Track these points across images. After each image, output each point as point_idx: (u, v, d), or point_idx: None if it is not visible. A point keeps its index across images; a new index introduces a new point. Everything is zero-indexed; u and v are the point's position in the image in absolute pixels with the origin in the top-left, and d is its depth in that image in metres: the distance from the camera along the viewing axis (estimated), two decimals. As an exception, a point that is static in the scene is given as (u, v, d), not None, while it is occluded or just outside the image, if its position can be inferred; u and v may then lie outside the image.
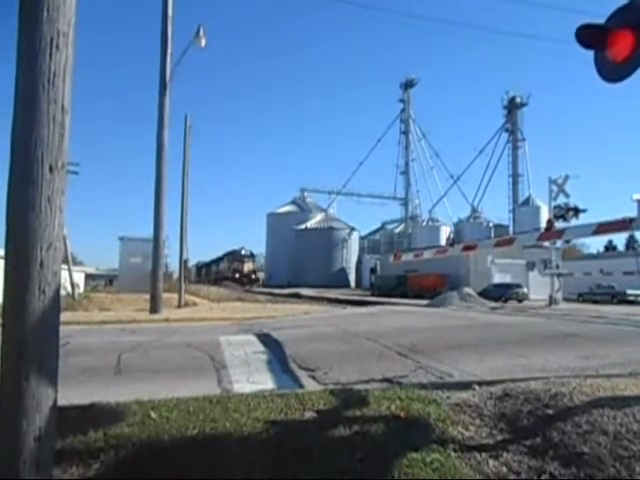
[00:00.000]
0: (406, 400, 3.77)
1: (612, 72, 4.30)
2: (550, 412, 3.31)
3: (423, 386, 4.33)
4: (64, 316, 12.18)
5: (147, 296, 14.99)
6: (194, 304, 19.63)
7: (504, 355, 6.48)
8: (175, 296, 18.52)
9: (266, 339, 8.22)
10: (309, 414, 3.52)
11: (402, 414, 3.45)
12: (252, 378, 5.30)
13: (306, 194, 66.87)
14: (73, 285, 20.04)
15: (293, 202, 67.32)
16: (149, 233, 15.13)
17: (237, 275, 59.01)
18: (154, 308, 14.20)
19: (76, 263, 40.46)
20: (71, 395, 4.11)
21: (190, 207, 20.96)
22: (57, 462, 2.66)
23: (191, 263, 80.00)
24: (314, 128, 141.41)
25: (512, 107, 59.11)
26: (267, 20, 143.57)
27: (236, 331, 9.70)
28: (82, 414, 3.43)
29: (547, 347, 7.26)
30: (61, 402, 3.73)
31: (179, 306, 17.78)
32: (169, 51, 14.56)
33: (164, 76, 14.44)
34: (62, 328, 7.76)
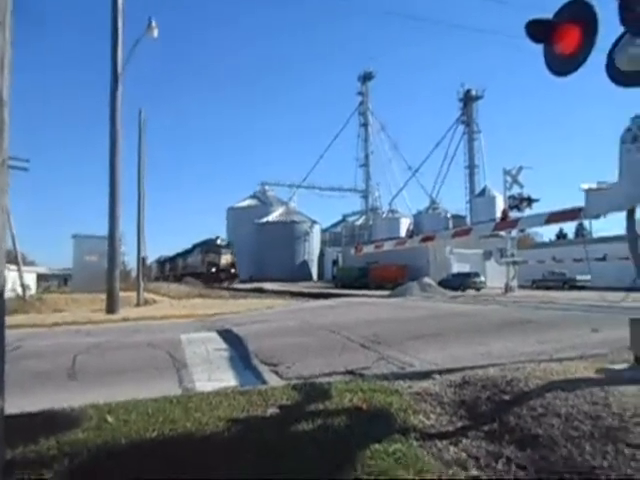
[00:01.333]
0: (368, 392, 3.80)
1: (560, 66, 4.43)
2: (507, 397, 3.41)
3: (385, 377, 4.39)
4: (15, 319, 11.70)
5: (104, 296, 14.55)
6: (154, 302, 19.20)
7: (463, 343, 6.63)
8: (134, 295, 18.06)
9: (228, 335, 8.12)
10: (272, 410, 3.50)
11: (365, 406, 3.48)
12: (214, 376, 5.22)
13: (267, 188, 66.47)
14: (24, 286, 19.21)
15: (254, 196, 66.80)
16: (105, 231, 14.65)
17: (213, 269, 49.22)
18: (111, 307, 13.80)
19: (27, 263, 38.78)
20: (22, 402, 3.93)
21: (147, 204, 20.40)
22: (7, 474, 2.54)
23: (152, 258, 75.41)
24: (274, 122, 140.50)
25: (467, 100, 60.49)
26: (227, 12, 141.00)
27: (197, 328, 9.54)
28: (33, 422, 3.29)
29: (504, 334, 7.49)
30: (10, 410, 3.57)
31: (138, 305, 17.35)
32: (120, 42, 14.08)
33: (115, 69, 13.96)
34: (13, 332, 7.47)
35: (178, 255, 65.85)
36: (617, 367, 3.79)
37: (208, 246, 51.53)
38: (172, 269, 68.51)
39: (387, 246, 10.84)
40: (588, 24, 4.17)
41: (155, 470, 2.55)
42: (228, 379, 5.09)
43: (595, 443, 2.64)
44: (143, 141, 18.70)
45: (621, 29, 4.11)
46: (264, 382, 4.88)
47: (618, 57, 4.37)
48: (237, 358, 6.28)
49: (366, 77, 65.16)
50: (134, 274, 26.21)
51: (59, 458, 2.72)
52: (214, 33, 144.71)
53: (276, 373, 5.29)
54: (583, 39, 4.19)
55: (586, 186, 3.96)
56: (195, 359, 6.15)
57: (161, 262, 78.06)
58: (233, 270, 50.07)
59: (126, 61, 14.14)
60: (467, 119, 60.58)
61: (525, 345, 6.20)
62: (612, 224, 23.39)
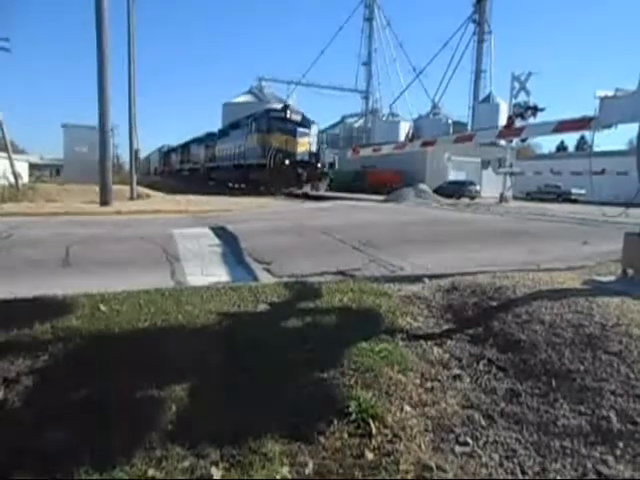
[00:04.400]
0: (358, 292, 3.86)
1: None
2: (494, 304, 3.47)
3: (376, 279, 4.45)
4: (7, 207, 11.62)
5: (96, 187, 14.40)
6: (147, 196, 19.11)
7: (455, 250, 6.70)
8: (127, 188, 17.90)
9: (221, 232, 8.15)
10: (262, 306, 3.56)
11: (354, 306, 3.54)
12: (206, 271, 5.29)
13: (264, 84, 63.57)
14: (15, 174, 18.94)
15: (250, 92, 64.04)
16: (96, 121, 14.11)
17: (286, 162, 25.86)
18: (104, 200, 13.72)
19: (18, 151, 37.96)
20: (16, 288, 3.98)
21: (140, 94, 19.44)
22: (2, 355, 2.61)
23: (153, 148, 70.78)
24: (271, 9, 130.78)
25: (481, -2, 56.08)
26: None
27: (191, 224, 9.56)
28: (27, 307, 3.33)
29: (496, 242, 7.57)
30: (5, 295, 3.62)
31: (131, 198, 17.26)
32: None
33: None
34: (5, 220, 7.44)
35: (197, 140, 44.25)
36: (604, 279, 3.84)
37: (270, 120, 27.51)
38: (184, 161, 48.84)
39: (385, 149, 10.57)
40: None
41: (146, 359, 2.62)
42: (220, 275, 5.16)
43: (575, 349, 2.72)
44: (132, 16, 17.31)
45: None
46: (256, 279, 4.96)
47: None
48: (230, 255, 6.34)
49: (374, -35, 59.74)
50: (127, 168, 25.70)
51: (53, 342, 2.78)
52: None
53: (268, 271, 5.36)
54: None
55: (602, 93, 3.73)
56: (188, 254, 6.20)
57: (165, 152, 60.07)
58: (319, 165, 27.96)
59: None
60: (479, 18, 56.63)
61: (516, 254, 6.27)
62: (611, 140, 22.88)
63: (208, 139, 40.79)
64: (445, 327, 3.32)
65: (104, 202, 13.65)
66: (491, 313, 3.35)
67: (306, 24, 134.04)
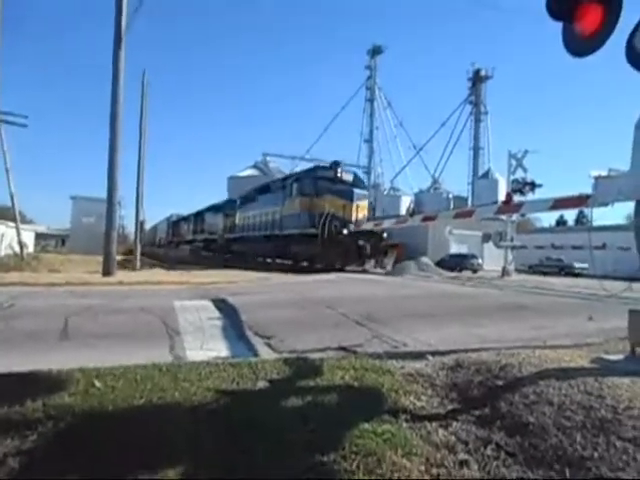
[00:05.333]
0: (360, 370, 3.77)
1: (579, 46, 4.26)
2: (499, 383, 3.37)
3: (378, 356, 4.36)
4: (10, 277, 11.65)
5: (100, 258, 14.51)
6: (151, 267, 19.21)
7: (458, 325, 6.61)
8: (131, 258, 18.03)
9: (222, 305, 8.10)
10: (262, 384, 3.47)
11: (356, 384, 3.45)
12: (206, 345, 5.19)
13: (268, 158, 65.80)
14: (21, 244, 19.18)
15: (255, 166, 66.17)
16: (104, 193, 14.50)
17: (343, 232, 19.99)
18: (107, 270, 13.77)
19: (26, 222, 38.73)
20: (12, 361, 3.91)
21: (147, 171, 20.14)
22: (-11, 434, 2.51)
23: (155, 220, 70.38)
24: (279, 94, 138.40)
25: (477, 80, 59.41)
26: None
27: (192, 296, 9.52)
28: (20, 382, 3.25)
29: (499, 318, 7.47)
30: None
31: (134, 269, 17.35)
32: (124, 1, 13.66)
33: (119, 28, 13.59)
34: (7, 289, 7.40)
35: (214, 208, 39.20)
36: (612, 357, 3.75)
37: (318, 180, 22.37)
38: (197, 231, 43.19)
39: (387, 223, 10.74)
40: (611, 4, 4.00)
41: (139, 440, 2.52)
42: (220, 349, 5.07)
43: (587, 434, 2.60)
44: (145, 103, 18.38)
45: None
46: (256, 354, 4.86)
47: (639, 40, 4.20)
48: (230, 328, 6.25)
49: (375, 51, 63.83)
50: (132, 238, 26.09)
51: (44, 421, 2.68)
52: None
53: (269, 346, 5.26)
54: (605, 19, 4.02)
55: (596, 173, 3.85)
56: (188, 327, 6.12)
57: (174, 222, 55.47)
58: (385, 235, 22.01)
59: (130, 20, 13.75)
60: (475, 99, 59.61)
61: (520, 330, 6.17)
62: (611, 215, 23.30)
63: (228, 207, 36.15)
64: (450, 407, 3.20)
65: (107, 272, 13.69)
66: (497, 393, 3.24)
67: (311, 102, 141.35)
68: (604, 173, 3.93)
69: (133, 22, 13.80)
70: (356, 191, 21.86)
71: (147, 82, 18.64)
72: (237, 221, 33.05)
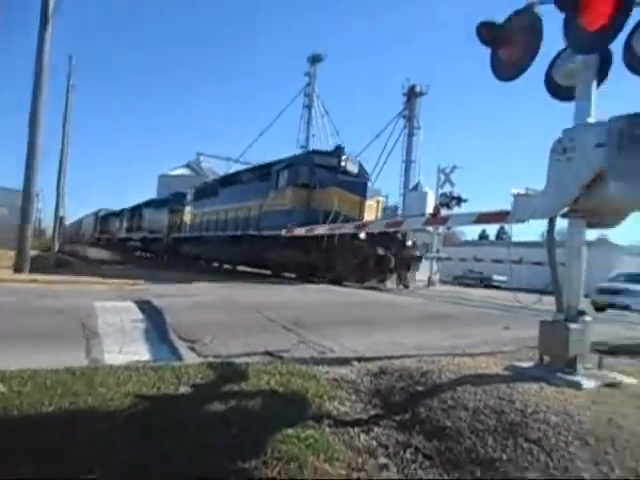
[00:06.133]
0: (286, 375, 3.76)
1: (504, 71, 4.52)
2: (420, 389, 3.49)
3: (304, 361, 4.37)
4: None
5: (12, 253, 13.50)
6: (69, 264, 18.14)
7: (385, 332, 6.77)
8: (47, 254, 16.93)
9: (146, 306, 7.78)
10: (184, 388, 3.36)
11: (281, 389, 3.43)
12: (126, 348, 4.97)
13: (202, 158, 64.39)
14: None
15: (187, 165, 64.52)
16: (20, 183, 13.52)
17: (360, 237, 14.72)
18: (20, 266, 12.85)
19: None
20: None
21: (72, 162, 19.08)
22: None
23: (89, 210, 62.97)
24: (216, 91, 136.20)
25: (412, 95, 61.51)
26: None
27: (114, 297, 9.08)
28: None
29: (423, 326, 7.74)
30: None
31: (50, 266, 16.30)
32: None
33: (46, 7, 12.82)
34: None
35: (156, 202, 35.24)
36: (523, 365, 3.98)
37: (317, 168, 17.33)
38: (133, 228, 38.25)
39: (320, 230, 10.83)
40: (534, 33, 4.27)
41: (47, 448, 2.35)
42: (141, 353, 4.86)
43: (497, 437, 2.75)
44: (71, 89, 17.38)
45: (562, 44, 4.26)
46: (180, 358, 4.71)
47: (556, 71, 4.53)
48: (153, 331, 6.02)
49: (315, 59, 64.47)
50: (50, 233, 24.39)
51: (-64, 429, 2.44)
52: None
53: (193, 349, 5.12)
54: (527, 48, 4.30)
55: (515, 191, 4.10)
56: (108, 329, 5.82)
57: (102, 217, 49.70)
58: (408, 243, 16.89)
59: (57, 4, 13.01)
60: (409, 114, 61.72)
61: (442, 338, 6.43)
62: (528, 231, 24.95)
63: (174, 202, 30.96)
64: (372, 412, 3.27)
65: (20, 269, 12.77)
66: (418, 398, 3.35)
67: (249, 106, 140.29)
68: (523, 192, 4.19)
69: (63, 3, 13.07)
70: (369, 185, 17.30)
71: (74, 67, 17.66)
72: (188, 218, 28.27)
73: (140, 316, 6.98)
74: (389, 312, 9.71)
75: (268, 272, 19.65)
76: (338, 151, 18.03)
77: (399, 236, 16.08)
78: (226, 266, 24.63)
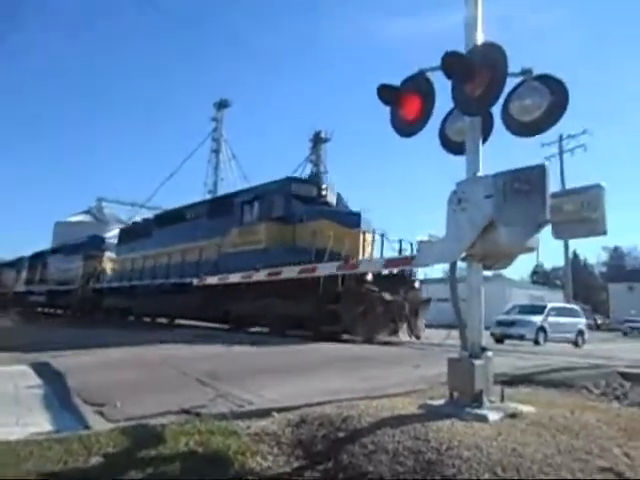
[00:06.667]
0: (206, 433, 3.63)
1: (403, 128, 4.95)
2: (342, 435, 3.54)
3: (223, 416, 4.25)
4: None
5: None
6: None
7: (303, 379, 6.76)
8: None
9: (44, 369, 7.15)
10: (95, 459, 3.13)
11: (201, 450, 3.31)
12: (23, 420, 4.51)
13: (104, 204, 61.43)
14: None
15: (87, 212, 61.09)
16: None
17: (367, 279, 12.29)
18: None
19: None
20: None
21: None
22: None
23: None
24: (119, 139, 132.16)
25: (317, 141, 63.90)
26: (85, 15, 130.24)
27: (5, 360, 8.24)
28: None
29: (341, 369, 7.83)
30: None
31: None
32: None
33: None
34: None
35: (67, 248, 29.84)
36: (435, 403, 4.19)
37: (295, 198, 15.22)
38: (34, 279, 33.29)
39: (233, 278, 10.71)
40: (427, 96, 4.75)
41: None
42: (41, 423, 4.43)
43: (417, 477, 2.86)
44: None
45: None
46: (87, 426, 4.35)
47: (448, 128, 5.04)
48: (54, 397, 5.53)
49: (222, 104, 65.30)
50: None
51: None
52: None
53: (101, 414, 4.77)
54: (422, 109, 4.76)
55: (419, 237, 4.44)
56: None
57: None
58: (415, 284, 14.33)
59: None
60: (315, 159, 63.80)
61: (359, 380, 6.53)
62: (431, 268, 26.37)
63: (90, 246, 27.01)
64: (295, 464, 3.26)
65: None
66: (340, 445, 3.39)
67: (155, 149, 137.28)
68: (426, 238, 4.55)
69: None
70: (363, 217, 14.21)
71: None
72: (111, 265, 25.09)
73: (38, 381, 6.40)
74: (303, 357, 9.73)
75: (217, 326, 16.92)
76: (316, 179, 17.39)
77: (407, 275, 13.70)
78: (161, 320, 21.38)
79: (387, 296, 12.31)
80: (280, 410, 4.39)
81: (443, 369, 4.30)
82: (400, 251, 12.29)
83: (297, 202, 14.83)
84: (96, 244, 27.34)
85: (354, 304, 11.96)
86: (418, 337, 13.71)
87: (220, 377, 6.57)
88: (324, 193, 15.56)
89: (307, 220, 13.86)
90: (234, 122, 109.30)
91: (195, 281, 15.27)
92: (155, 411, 4.73)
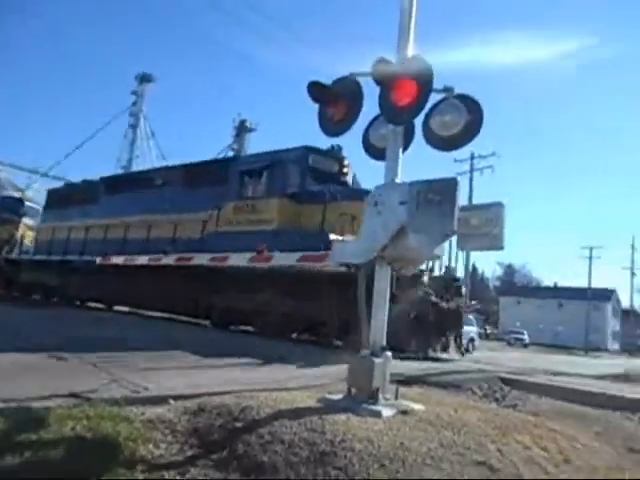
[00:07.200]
0: (95, 419, 3.45)
1: (330, 128, 5.03)
2: (239, 425, 3.53)
3: (116, 402, 4.05)
4: None
5: None
6: None
7: (203, 368, 6.63)
8: None
9: None
10: (-36, 442, 2.86)
11: (90, 435, 3.15)
12: None
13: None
14: None
15: (-25, 174, 54.99)
16: None
17: (423, 280, 10.38)
18: None
19: None
20: None
21: None
22: None
23: None
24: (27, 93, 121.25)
25: (242, 129, 62.67)
26: None
27: None
28: None
29: (252, 364, 7.74)
30: None
31: None
32: None
33: None
34: None
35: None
36: (334, 397, 4.31)
37: (315, 173, 12.44)
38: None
39: (140, 260, 10.27)
40: (355, 99, 4.86)
41: None
42: None
43: (310, 467, 2.94)
44: None
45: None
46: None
47: (372, 134, 5.20)
48: None
49: (144, 78, 61.89)
50: None
51: None
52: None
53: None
54: (350, 110, 4.86)
55: (333, 237, 4.53)
56: None
57: None
58: (462, 288, 12.93)
59: None
60: (238, 147, 62.55)
61: (265, 372, 6.54)
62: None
63: (3, 208, 22.45)
64: (189, 453, 3.20)
65: None
66: (236, 435, 3.39)
67: (65, 114, 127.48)
68: (340, 238, 4.66)
69: None
70: None
71: None
72: (32, 234, 20.99)
73: None
74: (207, 345, 9.53)
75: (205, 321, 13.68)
76: (337, 152, 12.83)
77: (453, 278, 11.90)
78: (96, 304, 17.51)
79: (444, 304, 10.64)
80: (178, 398, 4.29)
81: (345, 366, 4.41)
82: None
83: (324, 176, 12.22)
84: (12, 207, 22.73)
85: (409, 310, 9.69)
86: (462, 351, 12.06)
87: (114, 361, 6.27)
88: (345, 170, 12.87)
89: (342, 200, 10.69)
90: (157, 100, 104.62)
91: (98, 259, 13.46)
92: (39, 394, 4.41)
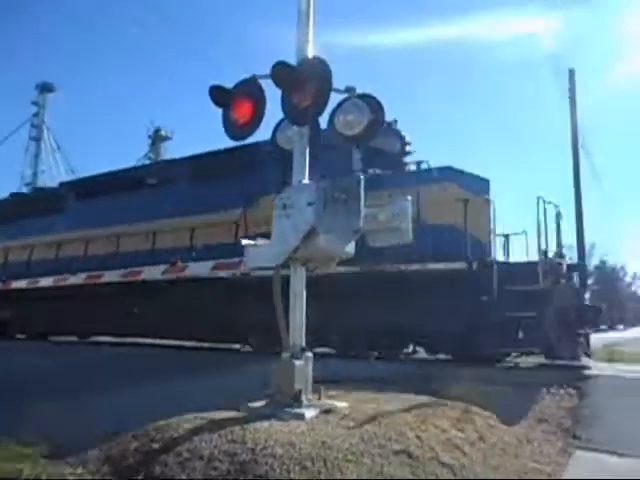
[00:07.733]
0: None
1: (235, 131, 4.93)
2: (156, 446, 3.36)
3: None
4: None
5: None
6: None
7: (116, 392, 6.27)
8: None
9: None
10: None
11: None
12: None
13: None
14: None
15: None
16: None
17: (562, 268, 8.79)
18: None
19: None
20: None
21: None
22: None
23: None
24: None
25: (156, 138, 60.27)
26: None
27: None
28: None
29: (176, 377, 7.41)
30: None
31: None
32: None
33: None
34: None
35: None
36: (256, 404, 4.23)
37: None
38: None
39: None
40: (258, 102, 4.80)
41: None
42: None
43: (230, 479, 2.85)
44: None
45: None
46: None
47: (279, 136, 5.18)
48: None
49: (45, 87, 57.86)
50: None
51: None
52: None
53: None
54: (253, 113, 4.80)
55: (245, 242, 4.46)
56: None
57: None
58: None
59: None
60: (155, 157, 60.07)
61: (185, 387, 6.29)
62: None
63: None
64: (101, 484, 3.00)
65: None
66: (153, 457, 3.22)
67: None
68: (252, 242, 4.59)
69: None
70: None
71: None
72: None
73: None
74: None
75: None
76: (396, 130, 10.77)
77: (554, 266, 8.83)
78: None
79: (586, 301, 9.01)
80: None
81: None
82: None
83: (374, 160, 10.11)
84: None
85: (566, 309, 8.16)
86: (577, 356, 8.89)
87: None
88: (408, 149, 10.99)
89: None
90: (61, 110, 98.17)
91: (80, 279, 10.83)
92: None
